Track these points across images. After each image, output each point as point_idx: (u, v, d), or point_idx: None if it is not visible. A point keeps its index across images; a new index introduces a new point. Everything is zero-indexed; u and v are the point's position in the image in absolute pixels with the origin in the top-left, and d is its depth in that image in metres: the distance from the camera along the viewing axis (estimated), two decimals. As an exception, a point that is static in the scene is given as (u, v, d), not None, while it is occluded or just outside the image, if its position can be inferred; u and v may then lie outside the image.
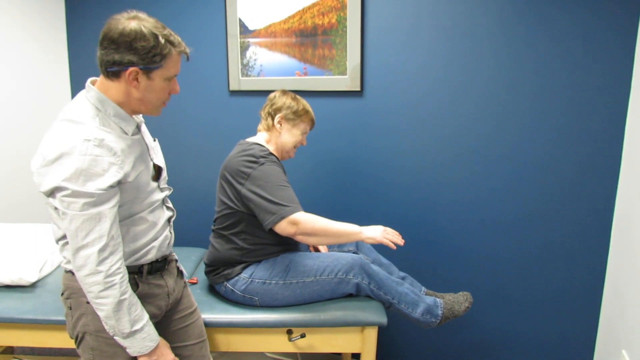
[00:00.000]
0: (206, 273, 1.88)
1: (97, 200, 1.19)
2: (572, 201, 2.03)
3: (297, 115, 1.86)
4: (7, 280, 1.82)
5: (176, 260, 1.59)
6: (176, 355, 1.45)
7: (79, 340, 1.39)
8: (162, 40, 1.25)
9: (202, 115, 2.47)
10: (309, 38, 2.22)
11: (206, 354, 1.63)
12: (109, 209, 1.22)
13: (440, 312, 1.83)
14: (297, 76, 2.27)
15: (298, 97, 1.89)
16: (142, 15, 1.27)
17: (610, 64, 1.89)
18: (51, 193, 1.20)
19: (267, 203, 1.65)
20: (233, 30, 2.32)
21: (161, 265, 1.46)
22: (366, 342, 1.73)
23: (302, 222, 1.63)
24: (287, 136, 1.87)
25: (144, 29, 1.23)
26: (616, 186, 1.97)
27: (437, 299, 1.87)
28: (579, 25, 1.90)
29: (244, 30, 2.30)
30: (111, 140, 1.23)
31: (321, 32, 2.20)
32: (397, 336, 2.39)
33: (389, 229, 1.75)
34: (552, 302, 2.13)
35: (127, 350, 1.32)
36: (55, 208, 1.23)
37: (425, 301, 1.83)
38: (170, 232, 1.50)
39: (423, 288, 1.99)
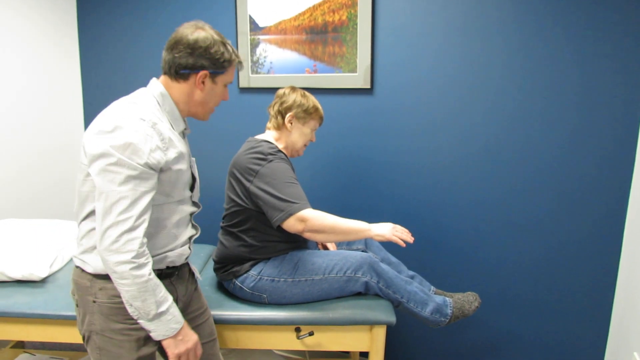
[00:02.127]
0: (215, 270, 1.88)
1: (139, 175, 1.24)
2: (585, 202, 2.01)
3: (308, 114, 1.85)
4: (18, 276, 1.83)
5: (189, 264, 1.58)
6: None
7: (86, 339, 1.40)
8: (230, 49, 1.40)
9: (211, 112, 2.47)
10: (319, 35, 2.22)
11: (216, 352, 1.64)
12: (146, 191, 1.26)
13: (449, 312, 1.82)
14: (307, 73, 2.27)
15: (307, 93, 1.88)
16: (207, 26, 1.41)
17: (625, 64, 1.86)
18: (97, 158, 1.23)
19: (275, 200, 1.65)
20: (243, 27, 2.31)
21: (172, 272, 1.46)
22: (375, 341, 1.73)
23: (311, 219, 1.62)
24: (297, 134, 1.86)
25: (216, 37, 1.38)
26: (629, 188, 1.94)
27: (447, 298, 1.86)
28: (592, 23, 1.88)
29: (254, 27, 2.30)
30: (163, 127, 1.32)
31: (331, 29, 2.19)
32: (406, 335, 2.38)
33: (398, 227, 1.73)
34: (563, 304, 2.11)
35: (152, 334, 1.33)
36: (93, 186, 1.27)
37: (434, 300, 1.82)
38: (190, 249, 1.51)
39: (432, 287, 1.98)
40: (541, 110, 2.00)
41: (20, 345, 2.45)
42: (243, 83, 2.37)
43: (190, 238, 1.51)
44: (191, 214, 1.50)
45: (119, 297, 1.30)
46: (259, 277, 1.75)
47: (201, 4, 2.38)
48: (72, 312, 1.67)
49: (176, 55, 1.35)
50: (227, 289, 1.84)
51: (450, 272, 2.25)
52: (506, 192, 2.10)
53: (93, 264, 1.34)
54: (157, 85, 1.39)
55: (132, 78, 2.56)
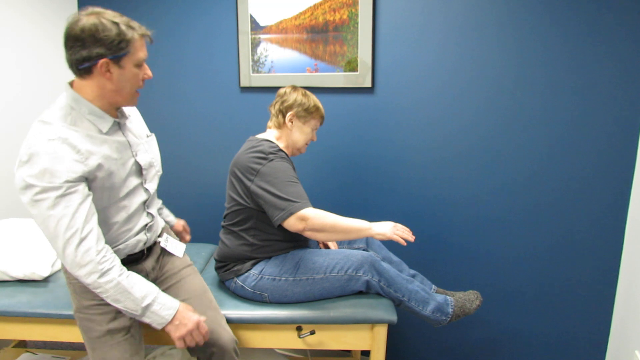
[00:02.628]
0: (216, 269, 1.88)
1: (65, 192, 1.26)
2: (585, 198, 2.01)
3: (308, 113, 1.85)
4: (20, 275, 1.84)
5: (159, 242, 1.65)
6: None
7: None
8: (123, 27, 1.28)
9: (212, 112, 2.48)
10: (320, 34, 2.22)
11: (207, 304, 1.62)
12: (80, 202, 1.28)
13: (450, 310, 1.82)
14: (308, 72, 2.27)
15: (308, 92, 1.88)
16: (99, 9, 1.31)
17: (623, 60, 1.86)
18: (24, 191, 1.27)
19: (275, 199, 1.65)
20: (244, 26, 2.32)
21: (139, 256, 1.54)
22: (376, 340, 1.73)
23: (311, 218, 1.62)
24: (298, 133, 1.87)
25: (103, 20, 1.27)
26: (631, 183, 1.94)
27: (448, 297, 1.86)
28: (589, 21, 1.87)
29: (255, 26, 2.30)
30: (76, 139, 1.30)
31: (332, 28, 2.19)
32: (407, 334, 2.38)
33: (399, 225, 1.73)
34: (564, 302, 2.11)
35: (152, 325, 1.38)
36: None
37: (435, 299, 1.82)
38: (146, 235, 1.55)
39: (433, 286, 1.98)
40: (539, 106, 2.00)
41: (22, 344, 2.45)
42: (244, 82, 2.38)
43: (145, 226, 1.53)
44: (144, 203, 1.51)
45: None
46: (260, 276, 1.75)
47: (202, 4, 2.38)
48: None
49: (70, 52, 1.29)
50: (228, 288, 1.85)
51: (451, 270, 2.25)
52: (506, 188, 2.10)
53: None
54: (68, 92, 1.36)
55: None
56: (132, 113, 1.58)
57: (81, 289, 1.46)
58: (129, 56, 1.31)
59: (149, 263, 1.58)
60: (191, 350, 1.55)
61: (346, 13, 2.16)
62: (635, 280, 1.85)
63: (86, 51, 1.27)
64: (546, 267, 2.11)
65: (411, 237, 1.70)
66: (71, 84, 1.37)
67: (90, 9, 1.30)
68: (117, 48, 1.28)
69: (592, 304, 2.08)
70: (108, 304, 1.41)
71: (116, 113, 1.45)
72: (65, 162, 1.26)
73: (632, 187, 1.94)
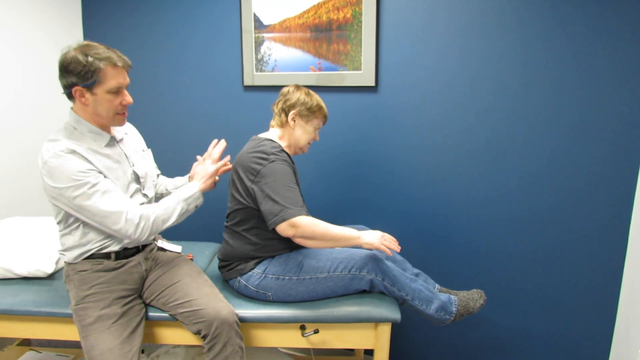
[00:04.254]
0: (220, 268, 1.88)
1: (91, 181, 1.49)
2: (589, 198, 2.00)
3: (311, 112, 1.85)
4: (24, 272, 1.84)
5: (157, 245, 1.85)
6: (166, 299, 1.67)
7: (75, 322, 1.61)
8: (90, 59, 1.47)
9: (216, 111, 2.48)
10: (324, 33, 2.21)
11: (198, 285, 1.70)
12: (104, 184, 1.52)
13: (454, 309, 1.82)
14: (312, 71, 2.26)
15: (311, 92, 1.88)
16: (87, 42, 1.53)
17: (627, 59, 1.85)
18: (59, 198, 1.50)
19: (271, 203, 1.66)
20: (248, 25, 2.31)
21: (134, 251, 1.70)
22: (380, 339, 1.73)
23: (302, 226, 1.63)
24: (301, 132, 1.87)
25: (76, 53, 1.48)
26: (635, 183, 1.93)
27: (451, 296, 1.85)
28: (594, 19, 1.87)
29: (259, 25, 2.30)
30: (82, 150, 1.52)
31: (336, 27, 2.19)
32: (411, 333, 2.38)
33: (386, 235, 1.76)
34: (568, 302, 2.11)
35: (201, 199, 1.73)
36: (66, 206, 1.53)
37: (439, 298, 1.82)
38: None
39: (437, 285, 1.98)
40: (543, 105, 1.99)
41: (26, 342, 2.46)
42: (247, 81, 2.38)
43: None
44: (142, 205, 1.68)
45: (85, 270, 1.60)
46: (263, 275, 1.75)
47: (206, 3, 2.38)
48: (78, 310, 1.67)
49: (59, 80, 1.53)
50: (232, 287, 1.85)
51: (454, 269, 2.25)
52: (510, 188, 2.09)
53: (68, 256, 1.63)
54: (70, 114, 1.59)
55: (136, 78, 2.56)
56: (130, 130, 1.81)
57: (80, 282, 1.60)
58: (98, 84, 1.51)
59: (141, 254, 1.72)
60: (194, 325, 1.59)
61: (350, 12, 2.15)
62: (640, 279, 1.84)
63: (64, 80, 1.51)
64: (550, 267, 2.10)
65: (397, 248, 1.74)
66: (72, 107, 1.60)
67: (79, 43, 1.52)
68: (85, 77, 1.48)
69: (596, 304, 2.07)
70: (104, 292, 1.59)
71: (111, 130, 1.66)
72: (79, 164, 1.48)
73: (636, 187, 1.93)
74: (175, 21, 2.45)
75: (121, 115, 1.61)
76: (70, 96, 1.55)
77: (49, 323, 1.74)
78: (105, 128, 1.63)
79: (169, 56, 2.49)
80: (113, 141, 1.65)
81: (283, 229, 1.65)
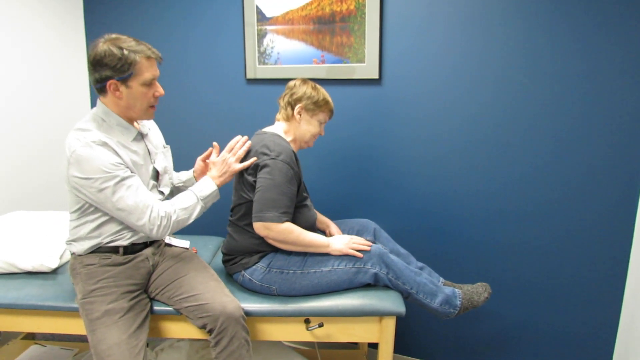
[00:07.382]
0: (224, 262, 1.88)
1: (121, 174, 1.49)
2: (594, 191, 1.99)
3: (317, 106, 1.84)
4: (28, 267, 1.84)
5: (165, 243, 1.86)
6: (172, 292, 1.67)
7: (82, 316, 1.61)
8: (125, 52, 1.48)
9: (218, 104, 2.47)
10: (327, 25, 2.20)
11: (204, 279, 1.70)
12: (132, 179, 1.52)
13: (458, 303, 1.82)
14: (315, 64, 2.25)
15: (318, 86, 1.87)
16: (115, 35, 1.53)
17: (632, 51, 1.83)
18: (83, 189, 1.49)
19: (259, 201, 1.70)
20: (250, 17, 2.30)
21: (142, 247, 1.70)
22: (384, 332, 1.73)
23: (275, 231, 1.69)
24: (306, 126, 1.86)
25: (109, 46, 1.48)
26: (641, 176, 1.92)
27: (456, 290, 1.85)
28: (598, 12, 1.84)
29: (261, 17, 2.28)
30: (112, 143, 1.52)
31: (339, 19, 2.17)
32: (415, 326, 2.38)
33: (355, 237, 1.82)
34: (572, 296, 2.10)
35: (216, 192, 1.72)
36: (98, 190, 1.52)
37: (443, 291, 1.81)
38: None
39: (441, 278, 1.98)
40: (548, 97, 1.97)
41: (30, 336, 2.47)
42: (250, 74, 2.36)
43: None
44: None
45: (92, 264, 1.60)
46: (267, 269, 1.75)
47: (208, -5, 2.36)
48: (82, 304, 1.67)
49: (89, 74, 1.53)
50: (236, 281, 1.84)
51: (459, 262, 2.24)
52: (514, 181, 2.08)
53: (78, 248, 1.63)
54: (99, 106, 1.58)
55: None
56: (152, 126, 1.80)
57: (87, 276, 1.60)
58: (134, 77, 1.51)
59: (149, 250, 1.72)
60: (199, 319, 1.58)
61: (353, 4, 2.14)
62: (646, 272, 1.83)
63: (98, 74, 1.50)
64: (554, 261, 2.10)
65: (367, 247, 1.76)
66: (101, 99, 1.59)
67: (108, 36, 1.52)
68: (120, 70, 1.48)
69: (601, 299, 2.06)
70: (110, 287, 1.58)
71: (138, 125, 1.67)
72: (109, 157, 1.48)
73: (642, 179, 1.92)
74: (177, 14, 2.44)
75: (153, 108, 1.62)
76: (102, 90, 1.54)
77: (53, 317, 1.74)
78: (132, 122, 1.63)
79: (171, 49, 2.48)
80: (139, 136, 1.66)
81: (257, 227, 1.71)
